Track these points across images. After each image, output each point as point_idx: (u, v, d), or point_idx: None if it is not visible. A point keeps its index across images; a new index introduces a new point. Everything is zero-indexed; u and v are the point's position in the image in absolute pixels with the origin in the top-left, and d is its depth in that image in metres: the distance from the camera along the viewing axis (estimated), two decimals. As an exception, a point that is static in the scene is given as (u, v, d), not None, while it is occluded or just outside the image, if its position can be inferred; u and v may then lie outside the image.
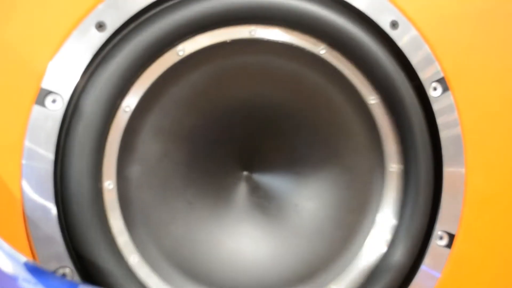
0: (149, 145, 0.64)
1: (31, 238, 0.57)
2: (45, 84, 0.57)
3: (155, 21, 0.60)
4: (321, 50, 0.66)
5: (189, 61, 0.63)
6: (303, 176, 0.71)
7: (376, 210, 0.70)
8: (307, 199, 0.71)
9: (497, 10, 0.70)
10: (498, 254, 0.71)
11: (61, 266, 0.58)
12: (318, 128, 0.70)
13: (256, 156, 0.71)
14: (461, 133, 0.68)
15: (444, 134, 0.68)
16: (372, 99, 0.68)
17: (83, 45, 0.58)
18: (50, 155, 0.57)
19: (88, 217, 0.58)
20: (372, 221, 0.70)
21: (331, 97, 0.68)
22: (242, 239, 0.69)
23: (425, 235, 0.69)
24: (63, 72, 0.58)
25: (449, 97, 0.68)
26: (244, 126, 0.69)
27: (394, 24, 0.66)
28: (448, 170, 0.68)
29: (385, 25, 0.66)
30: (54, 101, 0.57)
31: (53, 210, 0.57)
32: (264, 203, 0.71)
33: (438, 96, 0.68)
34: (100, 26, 0.59)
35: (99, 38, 0.59)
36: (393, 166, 0.69)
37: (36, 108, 0.57)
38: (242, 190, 0.71)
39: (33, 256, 0.57)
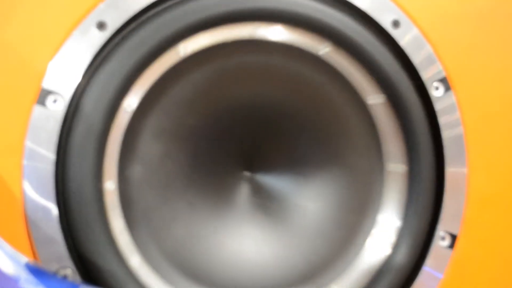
0: (150, 145, 0.64)
1: (32, 239, 0.57)
2: (46, 84, 0.57)
3: (156, 21, 0.60)
4: (324, 48, 0.65)
5: (190, 61, 0.63)
6: (304, 176, 0.71)
7: (377, 211, 0.70)
8: (309, 199, 0.71)
9: (500, 10, 0.70)
10: (501, 254, 0.70)
11: (62, 266, 0.58)
12: (319, 128, 0.70)
13: (257, 156, 0.71)
14: (463, 133, 0.68)
15: (446, 134, 0.68)
16: (374, 99, 0.68)
17: (84, 44, 0.58)
18: (51, 155, 0.57)
19: (89, 218, 0.58)
20: (374, 222, 0.70)
21: (332, 97, 0.68)
22: (243, 239, 0.69)
23: (427, 235, 0.68)
24: (64, 72, 0.58)
25: (451, 97, 0.68)
26: (245, 126, 0.69)
27: (395, 24, 0.66)
28: (450, 170, 0.68)
29: (386, 25, 0.66)
30: (55, 101, 0.57)
31: (54, 210, 0.57)
32: (265, 203, 0.71)
33: (440, 96, 0.67)
34: (101, 25, 0.59)
35: (100, 37, 0.59)
36: (395, 166, 0.69)
37: (37, 108, 0.57)
38: (243, 190, 0.71)
39: (34, 257, 0.57)
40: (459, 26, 0.69)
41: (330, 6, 0.64)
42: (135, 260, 0.61)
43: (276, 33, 0.65)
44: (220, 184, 0.70)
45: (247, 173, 0.71)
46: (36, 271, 0.50)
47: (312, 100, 0.69)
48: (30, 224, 0.56)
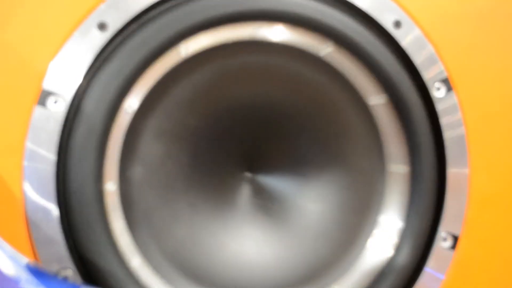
0: (151, 146, 0.64)
1: (33, 240, 0.57)
2: (47, 85, 0.57)
3: (157, 21, 0.60)
4: (325, 49, 0.65)
5: (192, 61, 0.62)
6: (306, 177, 0.71)
7: (379, 211, 0.69)
8: (310, 200, 0.71)
9: (502, 10, 0.70)
10: (503, 255, 0.70)
11: (63, 267, 0.58)
12: (320, 129, 0.70)
13: (258, 157, 0.71)
14: (465, 134, 0.68)
15: (447, 135, 0.67)
16: (375, 100, 0.68)
17: (85, 45, 0.58)
18: (52, 156, 0.57)
19: (89, 218, 0.58)
20: (375, 222, 0.70)
21: (333, 97, 0.68)
22: (244, 240, 0.69)
23: (429, 236, 0.68)
24: (65, 73, 0.58)
25: (453, 97, 0.68)
26: (246, 126, 0.69)
27: (397, 24, 0.66)
28: (452, 171, 0.68)
29: (388, 25, 0.66)
30: (55, 102, 0.57)
31: (55, 211, 0.57)
32: (266, 204, 0.71)
33: (442, 96, 0.67)
34: (102, 26, 0.59)
35: (101, 38, 0.59)
36: (396, 167, 0.69)
37: (38, 109, 0.57)
38: (244, 191, 0.71)
39: (35, 258, 0.57)
40: (460, 26, 0.69)
41: (331, 7, 0.64)
42: (135, 261, 0.61)
43: (277, 33, 0.65)
44: (221, 184, 0.70)
45: (248, 174, 0.71)
46: (36, 272, 0.50)
47: (313, 101, 0.69)
48: (30, 225, 0.56)
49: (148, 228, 0.63)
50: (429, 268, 0.68)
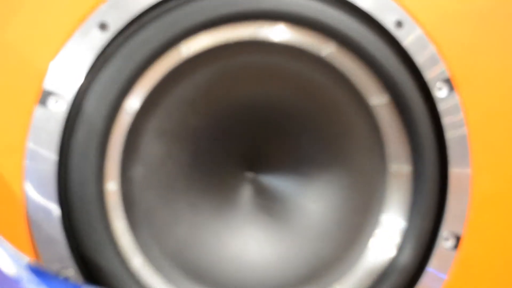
0: (152, 146, 0.64)
1: (34, 239, 0.57)
2: (48, 85, 0.57)
3: (158, 21, 0.60)
4: (327, 49, 0.65)
5: (193, 61, 0.62)
6: (308, 177, 0.71)
7: (381, 211, 0.69)
8: (312, 200, 0.71)
9: (504, 9, 0.70)
10: (505, 256, 0.70)
11: (64, 267, 0.58)
12: (322, 129, 0.70)
13: (260, 157, 0.71)
14: (467, 134, 0.68)
15: (450, 135, 0.67)
16: (377, 100, 0.67)
17: (85, 45, 0.58)
18: (53, 156, 0.57)
19: (91, 218, 0.58)
20: (377, 222, 0.69)
21: (335, 97, 0.68)
22: (245, 240, 0.69)
23: (431, 236, 0.68)
24: (66, 73, 0.58)
25: (455, 97, 0.67)
26: (248, 126, 0.69)
27: (399, 24, 0.66)
28: (454, 171, 0.67)
29: (389, 25, 0.66)
30: (56, 102, 0.57)
31: (56, 211, 0.57)
32: (268, 204, 0.71)
33: (444, 96, 0.67)
34: (103, 26, 0.59)
35: (102, 38, 0.59)
36: (398, 167, 0.69)
37: (39, 109, 0.57)
38: (245, 191, 0.71)
39: (36, 257, 0.57)
40: (463, 26, 0.68)
41: (333, 7, 0.64)
42: (137, 260, 0.61)
43: (279, 33, 0.65)
44: (222, 184, 0.70)
45: (249, 174, 0.71)
46: (37, 271, 0.50)
47: (314, 101, 0.69)
48: (31, 225, 0.57)
49: (149, 228, 0.63)
50: (431, 268, 0.68)
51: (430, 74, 0.67)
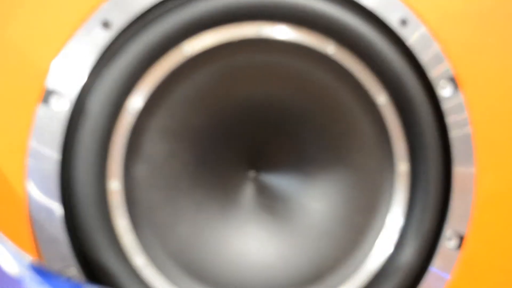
0: (154, 145, 0.64)
1: (36, 238, 0.57)
2: (50, 84, 0.57)
3: (161, 20, 0.60)
4: (329, 47, 0.65)
5: (195, 60, 0.62)
6: (311, 176, 0.71)
7: (385, 211, 0.69)
8: (315, 199, 0.71)
9: (509, 7, 0.69)
10: (509, 255, 0.70)
11: (66, 266, 0.58)
12: (325, 127, 0.69)
13: (263, 156, 0.71)
14: (471, 133, 0.67)
15: (454, 134, 0.67)
16: (381, 98, 0.67)
17: (88, 44, 0.58)
18: (55, 155, 0.57)
19: (93, 217, 0.58)
20: (381, 222, 0.69)
21: (339, 95, 0.68)
22: (248, 239, 0.69)
23: (434, 236, 0.68)
24: (68, 72, 0.58)
25: (459, 96, 0.67)
26: (251, 125, 0.69)
27: (403, 22, 0.66)
28: (458, 170, 0.67)
29: (394, 23, 0.65)
30: (59, 101, 0.57)
31: (58, 210, 0.57)
32: (271, 203, 0.70)
33: (448, 95, 0.67)
34: (106, 24, 0.59)
35: (104, 37, 0.59)
36: (402, 166, 0.68)
37: (41, 108, 0.57)
38: (248, 190, 0.70)
39: (39, 256, 0.57)
40: (467, 24, 0.68)
41: (337, 5, 0.64)
42: (139, 260, 0.61)
43: (282, 32, 0.64)
44: (225, 183, 0.69)
45: (252, 173, 0.71)
46: (40, 270, 0.50)
47: (318, 99, 0.68)
48: (34, 224, 0.57)
49: (152, 227, 0.63)
50: (434, 268, 0.68)
51: (434, 73, 0.66)
